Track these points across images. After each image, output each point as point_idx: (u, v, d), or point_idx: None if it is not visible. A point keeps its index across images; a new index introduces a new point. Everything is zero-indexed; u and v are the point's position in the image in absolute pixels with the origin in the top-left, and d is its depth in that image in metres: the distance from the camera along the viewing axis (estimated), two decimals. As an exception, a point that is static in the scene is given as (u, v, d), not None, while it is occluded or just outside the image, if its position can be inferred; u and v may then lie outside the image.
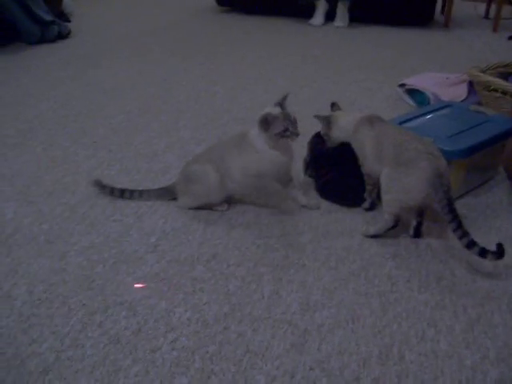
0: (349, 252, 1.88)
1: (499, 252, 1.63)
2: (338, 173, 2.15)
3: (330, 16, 5.30)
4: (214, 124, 2.96)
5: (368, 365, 1.43)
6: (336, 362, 1.44)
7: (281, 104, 2.00)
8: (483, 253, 1.64)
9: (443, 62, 4.08)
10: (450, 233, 1.72)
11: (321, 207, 2.15)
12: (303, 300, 1.66)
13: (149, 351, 1.48)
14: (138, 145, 2.74)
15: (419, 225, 1.93)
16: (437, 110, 2.43)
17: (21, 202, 2.22)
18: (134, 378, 1.40)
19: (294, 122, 1.97)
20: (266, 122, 1.93)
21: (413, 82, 3.24)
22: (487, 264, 1.75)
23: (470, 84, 3.06)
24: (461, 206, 2.12)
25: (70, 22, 5.26)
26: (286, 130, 1.94)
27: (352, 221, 2.06)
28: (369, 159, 1.95)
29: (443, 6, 5.47)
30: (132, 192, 2.20)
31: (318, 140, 2.19)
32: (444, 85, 3.15)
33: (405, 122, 2.27)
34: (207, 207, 2.12)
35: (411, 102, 3.20)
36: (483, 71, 2.85)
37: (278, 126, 1.93)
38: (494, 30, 5.07)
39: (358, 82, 3.64)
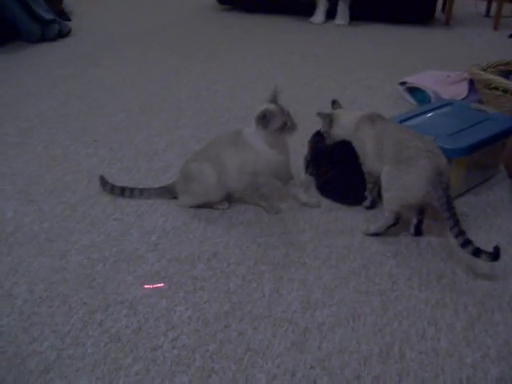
0: (349, 250, 1.88)
1: (495, 254, 1.62)
2: (338, 171, 2.15)
3: (330, 14, 5.29)
4: (215, 122, 2.96)
5: (369, 363, 1.43)
6: (337, 361, 1.44)
7: (273, 99, 2.00)
8: (477, 252, 1.64)
9: (444, 60, 4.08)
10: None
11: (321, 205, 2.15)
12: (304, 298, 1.66)
13: (149, 350, 1.48)
14: (138, 143, 2.74)
15: (420, 223, 1.93)
16: (437, 108, 2.43)
17: (21, 200, 2.22)
18: (135, 377, 1.40)
19: (291, 116, 1.97)
20: (264, 119, 1.92)
21: (414, 80, 3.24)
22: (488, 263, 1.75)
23: (471, 82, 3.06)
24: (462, 204, 2.12)
25: (70, 20, 5.25)
26: (285, 124, 1.94)
27: (353, 219, 2.06)
28: (369, 157, 1.95)
29: (444, 4, 5.47)
30: (132, 190, 2.20)
31: (318, 138, 2.19)
32: (445, 83, 3.15)
33: (406, 120, 2.27)
34: (208, 206, 2.12)
35: (412, 100, 3.19)
36: (484, 69, 2.84)
37: (277, 121, 1.93)
38: (495, 28, 5.06)
39: (358, 80, 3.63)
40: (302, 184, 2.21)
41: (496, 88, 2.70)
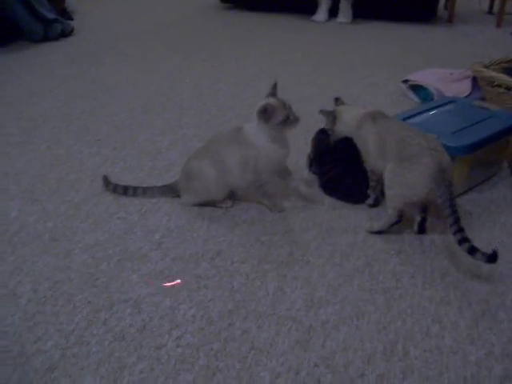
0: (353, 248, 1.88)
1: (491, 256, 1.60)
2: (342, 169, 2.15)
3: (333, 12, 5.29)
4: (218, 121, 2.96)
5: (373, 361, 1.43)
6: (341, 359, 1.44)
7: (273, 94, 2.00)
8: (472, 251, 1.63)
9: (447, 57, 4.07)
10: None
11: (324, 203, 2.15)
12: (308, 297, 1.66)
13: (154, 348, 1.48)
14: (141, 142, 2.74)
15: (423, 221, 1.93)
16: (440, 105, 2.42)
17: (25, 200, 2.22)
18: (139, 375, 1.40)
19: (292, 109, 1.97)
20: (265, 113, 1.92)
21: (416, 77, 3.24)
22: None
23: (474, 79, 3.06)
24: (465, 201, 2.12)
25: (72, 20, 5.26)
26: (287, 117, 1.94)
27: (356, 217, 2.06)
28: (372, 155, 1.95)
29: (446, 2, 5.47)
30: (135, 189, 2.20)
31: (322, 136, 2.19)
32: (447, 80, 3.14)
33: (408, 118, 2.27)
34: (211, 204, 2.12)
35: (415, 97, 3.19)
36: (487, 67, 2.84)
37: (280, 115, 1.93)
38: (498, 25, 5.06)
39: (361, 78, 3.63)
40: (306, 182, 2.21)
41: (499, 85, 2.70)
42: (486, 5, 5.65)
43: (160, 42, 4.72)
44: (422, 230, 1.94)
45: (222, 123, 2.93)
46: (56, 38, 4.74)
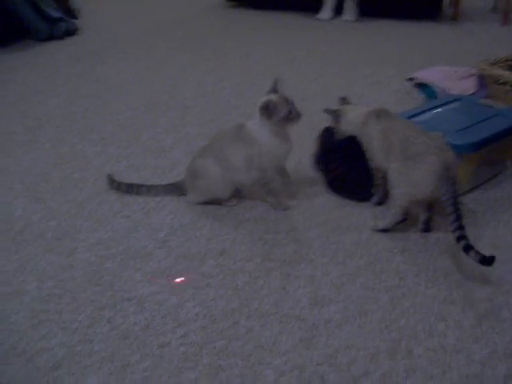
0: (357, 247, 1.88)
1: (485, 259, 1.59)
2: (347, 167, 2.14)
3: (338, 10, 5.28)
4: (221, 120, 2.96)
5: (376, 360, 1.43)
6: (344, 357, 1.44)
7: (274, 89, 2.00)
8: (467, 249, 1.63)
9: (452, 55, 4.06)
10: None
11: (328, 202, 2.15)
12: (311, 295, 1.66)
13: (157, 346, 1.49)
14: (145, 141, 2.74)
15: (428, 219, 1.93)
16: (446, 103, 2.42)
17: (29, 198, 2.23)
18: (143, 374, 1.40)
19: (294, 105, 1.98)
20: (268, 109, 1.92)
21: (421, 75, 3.23)
22: (496, 259, 1.74)
23: (479, 77, 3.05)
24: (470, 200, 2.11)
25: (77, 18, 5.26)
26: (290, 112, 1.94)
27: (360, 215, 2.06)
28: (377, 153, 1.95)
29: (451, -1, 5.44)
30: (139, 187, 2.21)
31: (327, 135, 2.19)
32: (453, 78, 3.13)
33: (414, 116, 2.26)
34: (216, 202, 2.12)
35: (420, 96, 3.18)
36: (492, 64, 2.83)
37: (282, 111, 1.94)
38: (503, 23, 5.03)
39: (366, 76, 3.62)
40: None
41: (504, 83, 2.68)
42: (490, 3, 5.61)
43: (164, 40, 4.72)
44: (427, 228, 1.94)
45: (226, 122, 2.93)
46: (61, 37, 4.74)
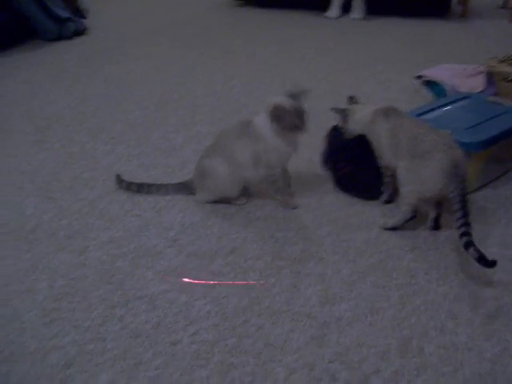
0: (367, 245, 1.88)
1: (482, 258, 1.58)
2: (356, 166, 2.14)
3: (346, 8, 5.27)
4: (231, 118, 2.96)
5: (387, 357, 1.43)
6: (355, 355, 1.44)
7: (295, 96, 1.99)
8: (467, 245, 1.62)
9: (460, 52, 4.04)
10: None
11: (338, 201, 2.15)
12: (322, 293, 1.67)
13: (169, 344, 1.49)
14: (155, 140, 2.75)
15: (438, 217, 1.92)
16: (454, 101, 2.42)
17: (40, 198, 2.24)
18: (155, 371, 1.41)
19: (304, 118, 1.96)
20: (276, 114, 1.92)
21: (430, 73, 3.22)
22: (506, 257, 1.73)
23: (488, 75, 3.04)
24: (479, 197, 2.11)
25: (85, 18, 5.27)
26: (295, 125, 1.94)
27: (370, 213, 2.06)
28: (385, 151, 1.95)
29: (460, -3, 5.42)
30: (150, 186, 2.21)
31: (335, 133, 2.19)
32: (461, 76, 3.12)
33: (422, 114, 2.26)
34: (225, 201, 2.13)
35: (428, 93, 3.17)
36: (501, 62, 2.82)
37: (288, 121, 1.93)
38: (512, 20, 5.01)
39: (374, 74, 3.62)
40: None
41: (513, 80, 2.68)
42: (499, -1, 5.59)
43: (172, 39, 4.73)
44: (436, 226, 1.93)
45: (236, 120, 2.93)
46: (69, 37, 4.76)
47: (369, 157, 2.04)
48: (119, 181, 2.26)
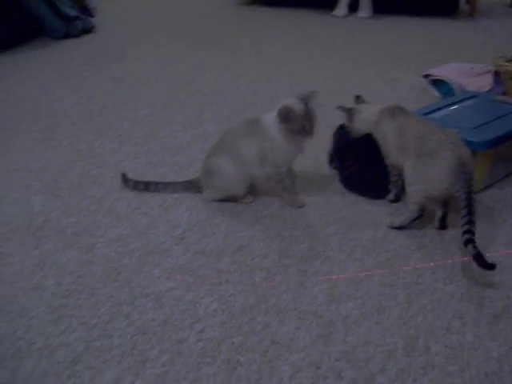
0: (374, 244, 1.88)
1: (487, 263, 1.59)
2: (362, 165, 2.14)
3: (353, 7, 5.26)
4: (238, 117, 2.96)
5: (393, 356, 1.43)
6: (361, 354, 1.44)
7: (306, 99, 1.98)
8: (467, 242, 1.63)
9: (468, 51, 4.03)
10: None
11: (344, 199, 2.15)
12: (328, 291, 1.67)
13: (175, 342, 1.50)
14: (162, 138, 2.76)
15: (444, 216, 1.92)
16: (462, 100, 2.41)
17: (48, 195, 2.25)
18: (161, 368, 1.42)
19: (312, 123, 1.96)
20: (285, 116, 1.92)
21: (437, 72, 3.21)
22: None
23: (496, 74, 3.03)
24: (486, 197, 2.10)
25: (93, 17, 5.29)
26: (302, 129, 1.94)
27: (377, 212, 2.06)
28: (392, 150, 1.95)
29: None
30: (157, 184, 2.22)
31: (342, 132, 2.19)
32: (469, 75, 3.12)
33: (429, 113, 2.26)
34: (232, 199, 2.13)
35: (436, 92, 3.17)
36: (509, 61, 2.81)
37: (296, 124, 1.93)
38: (520, 18, 5.00)
39: (382, 73, 3.61)
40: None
41: (521, 80, 2.67)
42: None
43: (180, 38, 4.73)
44: (443, 225, 1.93)
45: (242, 119, 2.93)
46: (77, 35, 4.78)
47: (375, 156, 2.04)
48: (125, 180, 2.26)
